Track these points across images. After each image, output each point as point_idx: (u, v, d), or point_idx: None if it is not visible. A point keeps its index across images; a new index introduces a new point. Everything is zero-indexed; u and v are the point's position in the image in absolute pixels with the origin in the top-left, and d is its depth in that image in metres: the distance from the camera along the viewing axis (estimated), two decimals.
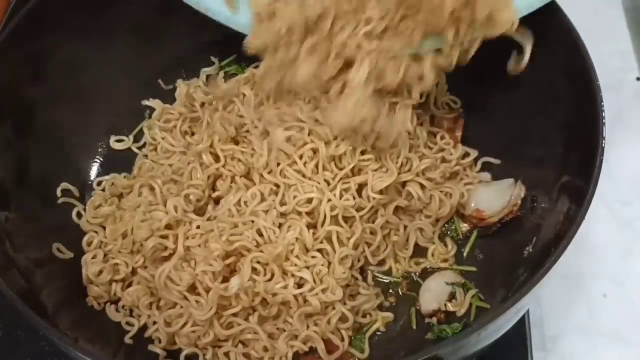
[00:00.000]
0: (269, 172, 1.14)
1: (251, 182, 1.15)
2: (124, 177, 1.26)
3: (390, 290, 1.17)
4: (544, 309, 1.24)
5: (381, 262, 1.18)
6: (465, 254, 1.19)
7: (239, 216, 1.11)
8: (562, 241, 0.92)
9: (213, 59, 1.39)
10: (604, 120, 0.99)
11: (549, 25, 1.10)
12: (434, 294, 1.13)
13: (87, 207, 1.22)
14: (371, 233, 1.15)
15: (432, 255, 1.18)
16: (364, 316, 1.13)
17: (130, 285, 1.15)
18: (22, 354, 1.17)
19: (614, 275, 1.27)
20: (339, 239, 1.11)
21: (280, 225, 1.10)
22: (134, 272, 1.15)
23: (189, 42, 1.38)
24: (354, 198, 1.12)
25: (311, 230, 1.10)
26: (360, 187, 1.13)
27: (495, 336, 0.97)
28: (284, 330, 1.09)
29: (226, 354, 1.09)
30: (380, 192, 1.12)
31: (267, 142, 1.14)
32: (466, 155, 1.24)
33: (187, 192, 1.15)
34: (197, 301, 1.08)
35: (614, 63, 1.45)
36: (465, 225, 1.20)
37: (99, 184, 1.26)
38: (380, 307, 1.15)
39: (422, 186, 1.17)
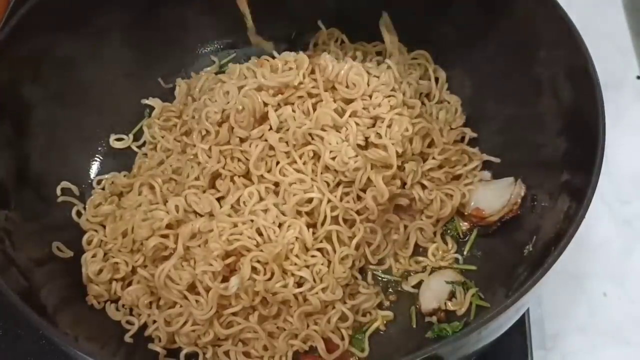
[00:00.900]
0: (268, 171, 1.14)
1: (250, 182, 1.15)
2: (124, 175, 1.26)
3: (390, 289, 1.17)
4: (544, 307, 1.23)
5: (381, 261, 1.18)
6: (465, 253, 1.19)
7: (238, 216, 1.11)
8: (562, 240, 0.92)
9: (213, 58, 1.39)
10: (604, 119, 0.99)
11: (550, 24, 1.10)
12: (434, 293, 1.12)
13: (87, 206, 1.22)
14: (371, 232, 1.15)
15: (433, 254, 1.18)
16: (363, 315, 1.13)
17: (130, 284, 1.15)
18: (22, 352, 1.17)
19: (614, 274, 1.27)
20: (339, 239, 1.11)
21: (280, 225, 1.10)
22: (133, 271, 1.15)
23: (188, 41, 1.38)
24: (354, 202, 1.13)
25: (311, 230, 1.10)
26: (362, 189, 1.13)
27: (495, 335, 0.97)
28: (284, 330, 1.09)
29: (226, 353, 1.09)
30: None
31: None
32: (470, 160, 1.24)
33: (187, 193, 1.15)
34: (197, 300, 1.08)
35: (614, 61, 1.44)
36: (465, 224, 1.20)
37: (99, 182, 1.26)
38: (380, 306, 1.15)
39: (424, 186, 1.17)
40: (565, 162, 1.08)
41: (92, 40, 1.25)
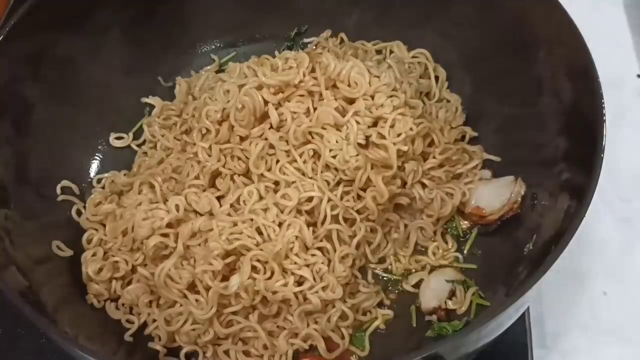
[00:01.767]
0: (268, 170, 1.14)
1: (250, 180, 1.15)
2: (124, 174, 1.26)
3: (390, 288, 1.17)
4: (545, 306, 1.23)
5: (381, 260, 1.18)
6: (465, 252, 1.19)
7: (238, 215, 1.11)
8: (562, 239, 0.92)
9: (213, 56, 1.39)
10: (604, 118, 0.99)
11: (550, 22, 1.10)
12: (434, 292, 1.12)
13: (87, 205, 1.22)
14: (371, 231, 1.15)
15: (433, 253, 1.18)
16: (364, 314, 1.13)
17: (129, 283, 1.14)
18: (23, 351, 1.17)
19: (614, 273, 1.27)
20: (340, 238, 1.11)
21: (280, 224, 1.10)
22: (133, 269, 1.15)
23: (188, 40, 1.38)
24: (355, 201, 1.13)
25: (311, 228, 1.10)
26: (362, 189, 1.13)
27: (495, 334, 0.96)
28: (284, 329, 1.09)
29: (226, 352, 1.09)
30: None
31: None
32: (471, 159, 1.24)
33: (187, 192, 1.15)
34: (196, 300, 1.08)
35: (614, 60, 1.43)
36: (466, 222, 1.20)
37: (99, 181, 1.26)
38: (381, 305, 1.15)
39: (424, 185, 1.17)
40: (566, 160, 1.08)
41: (91, 38, 1.25)
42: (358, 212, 1.13)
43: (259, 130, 1.15)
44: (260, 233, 1.09)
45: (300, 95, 1.16)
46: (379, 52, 1.34)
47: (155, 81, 1.36)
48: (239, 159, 1.16)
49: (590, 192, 0.94)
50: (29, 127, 1.18)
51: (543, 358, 1.19)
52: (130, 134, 1.32)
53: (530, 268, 1.03)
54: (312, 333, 1.08)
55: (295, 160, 1.13)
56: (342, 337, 1.09)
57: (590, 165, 0.96)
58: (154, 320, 1.11)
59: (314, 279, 1.08)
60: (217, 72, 1.36)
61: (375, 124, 1.15)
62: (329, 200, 1.11)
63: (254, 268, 1.07)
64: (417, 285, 1.15)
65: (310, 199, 1.11)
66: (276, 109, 1.15)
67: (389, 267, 1.18)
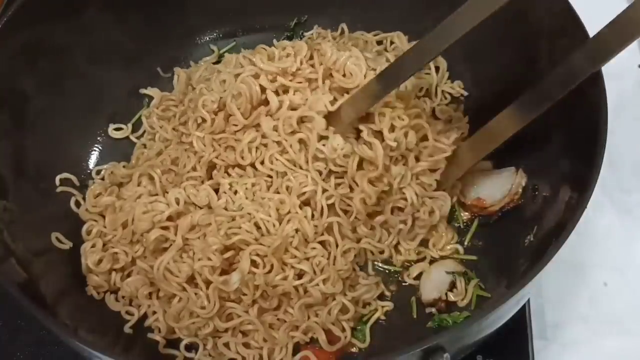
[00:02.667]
0: (261, 162, 1.13)
1: (245, 171, 1.15)
2: (123, 166, 1.25)
3: (391, 280, 1.17)
4: (545, 297, 1.23)
5: (381, 251, 1.17)
6: (466, 243, 1.18)
7: (236, 208, 1.11)
8: (563, 230, 0.91)
9: (212, 47, 1.39)
10: (606, 109, 0.98)
11: (551, 12, 1.09)
12: (434, 283, 1.12)
13: (86, 196, 1.21)
14: (371, 229, 1.15)
15: (433, 244, 1.18)
16: (364, 306, 1.13)
17: (129, 275, 1.14)
18: (23, 343, 1.17)
19: (614, 264, 1.27)
20: (341, 232, 1.11)
21: (279, 218, 1.10)
22: (133, 261, 1.14)
23: (187, 30, 1.37)
24: (351, 189, 1.12)
25: (312, 222, 1.09)
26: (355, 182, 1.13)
27: (496, 325, 0.96)
28: (285, 321, 1.09)
29: (226, 345, 1.09)
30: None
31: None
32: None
33: (185, 185, 1.14)
34: (196, 294, 1.08)
35: None
36: (466, 214, 1.20)
37: (98, 172, 1.26)
38: (381, 297, 1.15)
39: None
40: (567, 152, 1.07)
41: (89, 29, 1.24)
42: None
43: (255, 116, 1.14)
44: (258, 227, 1.09)
45: (299, 83, 1.15)
46: (379, 42, 1.33)
47: (154, 72, 1.35)
48: (233, 149, 1.15)
49: (592, 183, 0.94)
50: (27, 119, 1.17)
51: (543, 349, 1.19)
52: (129, 125, 1.31)
53: (531, 260, 1.03)
54: (313, 326, 1.08)
55: (287, 152, 1.12)
56: (343, 330, 1.09)
57: (592, 156, 0.96)
58: (154, 312, 1.11)
59: (314, 272, 1.08)
60: (215, 63, 1.35)
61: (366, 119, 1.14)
62: (324, 191, 1.10)
63: (253, 262, 1.06)
64: (417, 277, 1.15)
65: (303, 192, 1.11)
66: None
67: (389, 259, 1.18)
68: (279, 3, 1.37)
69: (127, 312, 1.12)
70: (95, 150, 1.29)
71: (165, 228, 1.11)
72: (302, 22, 1.39)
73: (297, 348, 1.09)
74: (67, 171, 1.22)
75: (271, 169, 1.13)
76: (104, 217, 1.18)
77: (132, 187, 1.19)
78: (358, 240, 1.14)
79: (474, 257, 1.17)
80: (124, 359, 1.02)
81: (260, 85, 1.14)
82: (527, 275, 0.90)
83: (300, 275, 1.08)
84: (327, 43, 1.18)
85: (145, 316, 1.12)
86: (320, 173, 1.11)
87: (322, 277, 1.08)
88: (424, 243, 1.19)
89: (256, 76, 1.15)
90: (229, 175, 1.15)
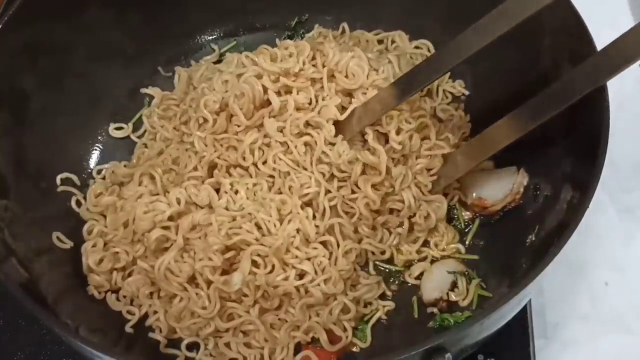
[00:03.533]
0: (263, 163, 1.13)
1: (247, 172, 1.15)
2: (124, 165, 1.25)
3: (392, 279, 1.16)
4: (546, 296, 1.23)
5: (382, 251, 1.17)
6: (467, 243, 1.18)
7: (237, 208, 1.11)
8: (565, 230, 0.91)
9: (213, 46, 1.39)
10: (608, 108, 0.98)
11: (553, 11, 1.08)
12: (435, 283, 1.12)
13: (87, 196, 1.21)
14: (373, 228, 1.15)
15: (435, 244, 1.18)
16: (365, 306, 1.13)
17: (130, 274, 1.14)
18: (23, 342, 1.17)
19: (615, 263, 1.27)
20: (342, 232, 1.11)
21: (280, 218, 1.10)
22: (134, 261, 1.14)
23: (187, 29, 1.37)
24: (353, 192, 1.12)
25: (313, 222, 1.09)
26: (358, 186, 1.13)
27: (498, 325, 0.96)
28: (286, 321, 1.09)
29: (227, 345, 1.08)
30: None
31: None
32: None
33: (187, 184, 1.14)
34: (197, 294, 1.08)
35: None
36: (468, 213, 1.20)
37: (99, 172, 1.26)
38: (382, 296, 1.15)
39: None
40: (569, 152, 1.07)
41: (90, 28, 1.24)
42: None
43: (258, 118, 1.14)
44: (259, 228, 1.09)
45: (302, 83, 1.15)
46: (380, 42, 1.33)
47: (155, 71, 1.35)
48: (235, 149, 1.15)
49: (594, 183, 0.94)
50: (28, 118, 1.17)
51: (544, 348, 1.19)
52: (130, 125, 1.31)
53: (532, 259, 1.03)
54: (314, 325, 1.08)
55: (291, 152, 1.12)
56: (344, 330, 1.09)
57: (594, 156, 0.96)
58: (155, 312, 1.11)
59: (315, 272, 1.08)
60: (216, 62, 1.35)
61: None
62: (327, 192, 1.10)
63: (254, 263, 1.06)
64: (418, 277, 1.15)
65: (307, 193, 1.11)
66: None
67: (391, 258, 1.17)
68: (280, 2, 1.37)
69: (128, 312, 1.12)
70: (96, 150, 1.29)
71: (166, 228, 1.11)
72: (302, 21, 1.39)
73: (298, 348, 1.09)
74: (67, 170, 1.22)
75: (274, 169, 1.12)
76: (104, 216, 1.18)
77: (133, 187, 1.18)
78: (359, 241, 1.14)
79: (475, 257, 1.16)
80: (125, 359, 1.01)
81: (263, 86, 1.13)
82: (529, 275, 0.89)
83: (301, 275, 1.08)
84: (329, 43, 1.18)
85: (146, 316, 1.12)
86: (324, 175, 1.11)
87: (324, 277, 1.07)
88: (425, 243, 1.18)
89: (259, 76, 1.14)
90: (230, 175, 1.15)
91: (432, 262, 1.16)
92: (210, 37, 1.39)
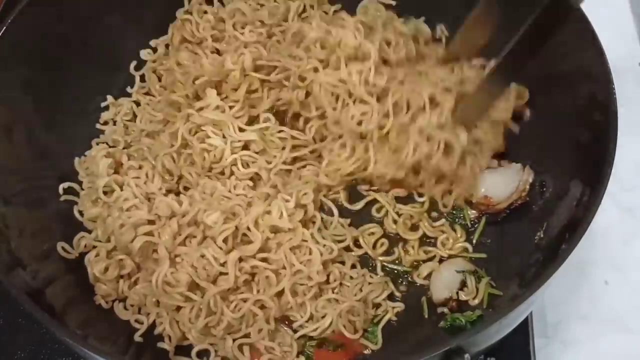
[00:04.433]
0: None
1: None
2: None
3: (400, 280, 1.15)
4: (546, 296, 1.23)
5: (389, 252, 1.17)
6: (474, 242, 1.17)
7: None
8: (578, 228, 0.93)
9: None
10: (616, 105, 1.01)
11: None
12: (445, 283, 1.11)
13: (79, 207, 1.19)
14: None
15: (442, 243, 1.17)
16: (374, 307, 1.12)
17: (137, 282, 1.12)
18: (23, 341, 1.16)
19: (615, 262, 1.27)
20: None
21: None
22: (139, 266, 1.12)
23: None
24: None
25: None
26: None
27: (514, 324, 0.97)
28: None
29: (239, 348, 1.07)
30: None
31: None
32: None
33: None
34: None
35: (617, 48, 1.42)
36: (474, 212, 1.19)
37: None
38: (392, 298, 1.14)
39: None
40: (575, 148, 1.08)
41: None
42: None
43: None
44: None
45: None
46: None
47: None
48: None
49: (606, 181, 0.95)
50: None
51: (544, 347, 1.20)
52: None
53: (543, 257, 1.03)
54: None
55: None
56: (355, 332, 1.08)
57: (603, 154, 0.97)
58: (162, 323, 1.09)
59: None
60: None
61: None
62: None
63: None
64: (427, 277, 1.14)
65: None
66: None
67: (398, 259, 1.17)
68: None
69: (136, 321, 1.10)
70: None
71: (149, 234, 1.10)
72: None
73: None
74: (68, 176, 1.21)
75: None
76: None
77: (116, 192, 1.16)
78: None
79: (483, 255, 1.16)
80: None
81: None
82: (543, 275, 0.91)
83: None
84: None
85: (155, 323, 1.10)
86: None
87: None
88: (433, 242, 1.18)
89: None
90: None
91: (440, 261, 1.16)
92: None
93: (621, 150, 1.25)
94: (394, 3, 1.32)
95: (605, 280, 1.26)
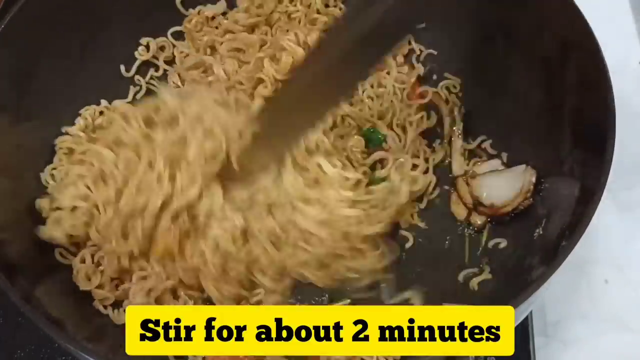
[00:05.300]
0: None
1: None
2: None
3: None
4: (546, 295, 1.22)
5: None
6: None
7: None
8: (577, 225, 0.94)
9: None
10: (613, 103, 1.02)
11: (556, 10, 1.08)
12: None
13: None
14: None
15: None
16: None
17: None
18: (23, 341, 1.17)
19: (615, 261, 1.27)
20: None
21: None
22: (131, 264, 1.10)
23: None
24: None
25: None
26: None
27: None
28: None
29: None
30: None
31: None
32: None
33: None
34: None
35: (616, 47, 1.42)
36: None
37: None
38: None
39: None
40: (574, 147, 1.08)
41: None
42: None
43: None
44: None
45: None
46: None
47: None
48: None
49: (604, 179, 0.95)
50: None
51: (544, 346, 1.20)
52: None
53: (543, 255, 1.02)
54: None
55: None
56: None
57: (601, 151, 0.97)
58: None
59: None
60: None
61: None
62: None
63: None
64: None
65: None
66: None
67: None
68: None
69: None
70: None
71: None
72: None
73: None
74: None
75: None
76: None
77: None
78: None
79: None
80: None
81: None
82: (541, 275, 0.92)
83: None
84: None
85: None
86: None
87: None
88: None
89: None
90: None
91: None
92: None
93: (621, 149, 1.25)
94: None
95: (605, 279, 1.26)
